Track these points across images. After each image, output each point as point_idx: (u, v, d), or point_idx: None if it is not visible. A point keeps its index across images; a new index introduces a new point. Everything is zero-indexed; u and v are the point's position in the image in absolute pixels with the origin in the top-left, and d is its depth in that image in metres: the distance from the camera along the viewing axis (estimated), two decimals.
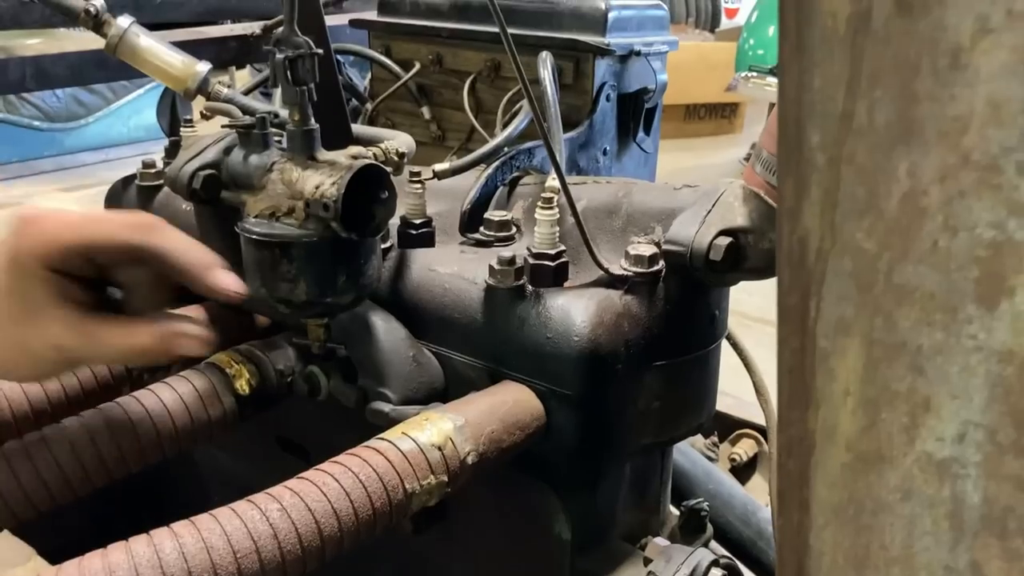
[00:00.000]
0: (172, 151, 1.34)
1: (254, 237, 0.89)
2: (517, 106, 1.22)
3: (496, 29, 1.22)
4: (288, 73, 0.87)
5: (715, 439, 1.64)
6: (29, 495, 0.89)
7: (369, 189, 0.88)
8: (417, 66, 1.35)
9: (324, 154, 0.91)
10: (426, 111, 1.36)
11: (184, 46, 1.41)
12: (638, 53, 1.22)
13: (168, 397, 0.95)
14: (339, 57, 1.48)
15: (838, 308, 0.51)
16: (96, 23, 1.09)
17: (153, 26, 1.32)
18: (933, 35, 0.45)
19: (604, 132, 1.24)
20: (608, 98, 1.23)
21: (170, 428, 0.94)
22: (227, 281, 0.82)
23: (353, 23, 1.42)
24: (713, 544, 1.22)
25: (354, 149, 0.95)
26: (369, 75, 1.46)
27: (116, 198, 1.36)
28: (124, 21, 1.10)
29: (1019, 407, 0.46)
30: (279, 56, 0.87)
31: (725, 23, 10.19)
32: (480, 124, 1.30)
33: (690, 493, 1.34)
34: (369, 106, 1.41)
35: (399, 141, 1.01)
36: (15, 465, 0.89)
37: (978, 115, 0.44)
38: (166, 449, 0.95)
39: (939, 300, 0.47)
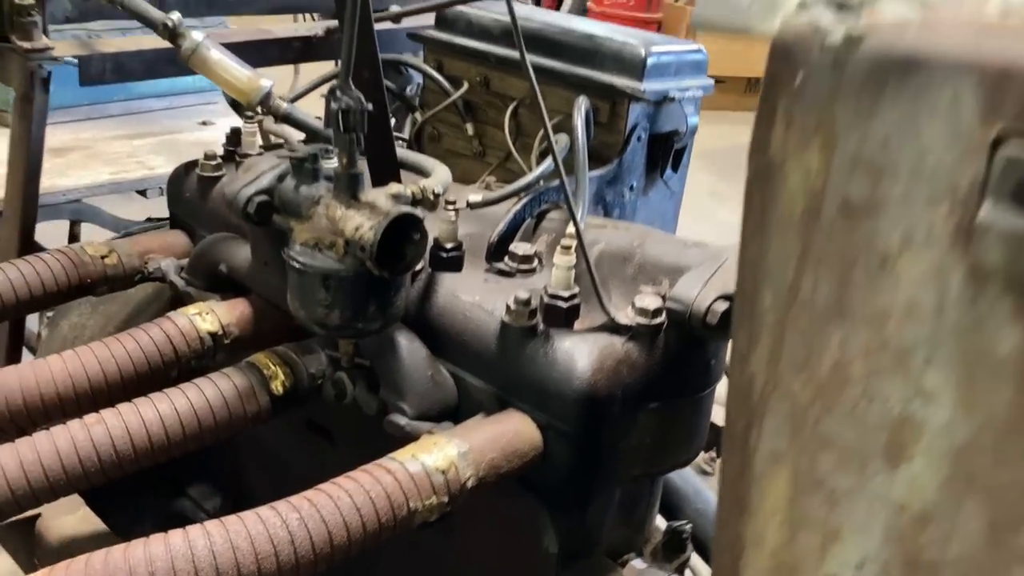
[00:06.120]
0: (233, 139, 1.44)
1: (297, 266, 0.99)
2: (554, 138, 1.30)
3: (542, 60, 1.30)
4: (340, 122, 0.96)
5: (713, 454, 1.73)
6: (85, 469, 1.01)
7: (403, 231, 0.98)
8: (465, 86, 1.43)
9: (367, 194, 1.00)
10: (470, 127, 1.45)
11: (251, 45, 1.50)
12: (672, 99, 1.29)
13: (211, 393, 1.07)
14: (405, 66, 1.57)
15: (773, 441, 0.60)
16: (172, 35, 1.19)
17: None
18: (868, 239, 0.53)
19: (633, 170, 1.32)
20: (639, 139, 1.31)
21: (211, 422, 1.06)
22: None
23: (411, 36, 1.50)
24: (697, 562, 1.32)
25: (395, 187, 1.05)
26: (421, 82, 1.54)
27: (178, 183, 1.46)
28: (198, 35, 1.19)
29: (908, 550, 0.55)
30: (333, 106, 0.96)
31: None
32: (519, 147, 1.38)
33: (679, 509, 1.44)
34: (419, 116, 1.50)
35: (436, 179, 1.10)
36: (77, 441, 1.01)
37: (898, 311, 0.53)
38: (206, 439, 1.07)
39: (854, 452, 0.56)
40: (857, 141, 0.52)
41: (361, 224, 0.96)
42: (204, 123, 2.76)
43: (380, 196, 1.01)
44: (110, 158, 2.45)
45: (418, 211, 0.99)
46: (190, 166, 1.46)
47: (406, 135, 1.62)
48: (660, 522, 1.33)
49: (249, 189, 1.04)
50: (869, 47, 0.51)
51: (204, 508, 1.62)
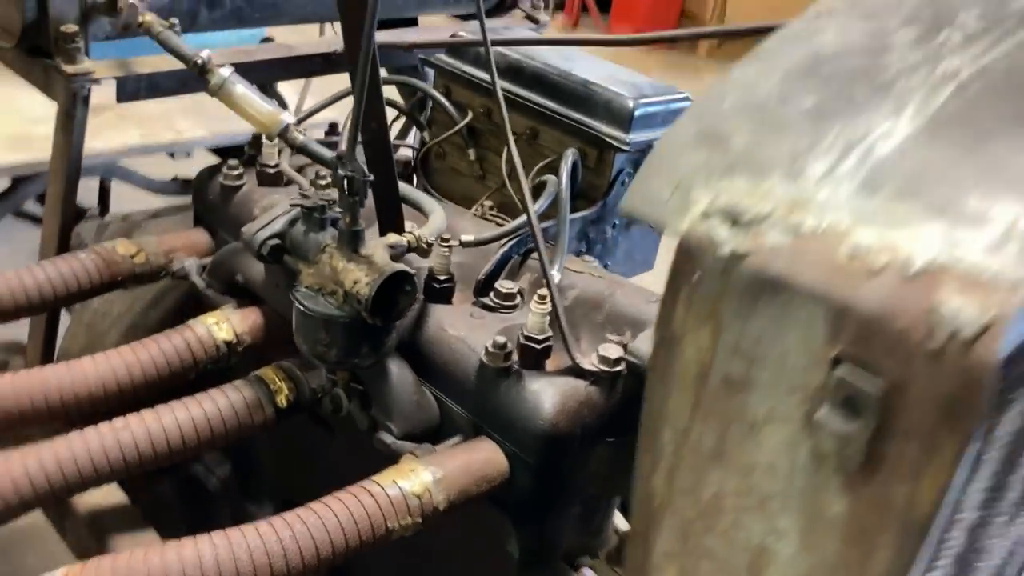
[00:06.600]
0: (255, 144, 1.57)
1: (302, 308, 1.13)
2: (544, 178, 1.42)
3: (541, 100, 1.41)
4: (345, 187, 1.09)
5: None
6: (112, 466, 1.17)
7: (396, 284, 1.11)
8: (469, 115, 1.54)
9: (366, 247, 1.13)
10: (472, 153, 1.56)
11: (276, 63, 1.62)
12: None
13: (223, 404, 1.22)
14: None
15: (666, 543, 0.74)
16: (202, 71, 1.31)
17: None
18: (741, 408, 0.66)
19: (616, 210, 1.44)
20: (623, 183, 1.42)
21: (222, 430, 1.21)
22: None
23: (422, 61, 1.60)
24: None
25: (392, 238, 1.18)
26: (430, 104, 1.65)
27: (203, 185, 1.59)
28: (225, 72, 1.31)
29: None
30: (340, 172, 1.09)
31: None
32: (515, 178, 1.50)
33: None
34: (427, 136, 1.62)
35: (431, 228, 1.23)
36: (106, 443, 1.17)
37: (760, 466, 0.66)
38: (217, 444, 1.23)
39: (724, 565, 0.71)
40: (737, 333, 0.65)
41: (359, 279, 1.09)
42: None
43: (378, 249, 1.14)
44: (141, 119, 2.57)
45: (409, 268, 1.12)
46: (214, 170, 1.59)
47: (410, 142, 1.74)
48: (623, 523, 1.48)
49: (264, 233, 1.17)
50: (750, 264, 0.63)
51: (215, 473, 1.80)
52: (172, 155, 2.60)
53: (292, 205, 1.18)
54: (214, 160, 2.79)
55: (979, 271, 0.57)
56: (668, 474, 0.73)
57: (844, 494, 0.62)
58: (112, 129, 2.51)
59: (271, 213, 1.20)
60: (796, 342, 0.62)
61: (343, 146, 1.39)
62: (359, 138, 1.10)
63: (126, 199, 2.64)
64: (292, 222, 1.19)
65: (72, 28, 1.34)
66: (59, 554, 1.71)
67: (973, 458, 0.60)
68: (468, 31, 1.66)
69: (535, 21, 1.92)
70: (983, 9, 0.75)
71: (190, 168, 2.82)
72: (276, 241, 1.17)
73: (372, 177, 1.08)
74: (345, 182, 1.08)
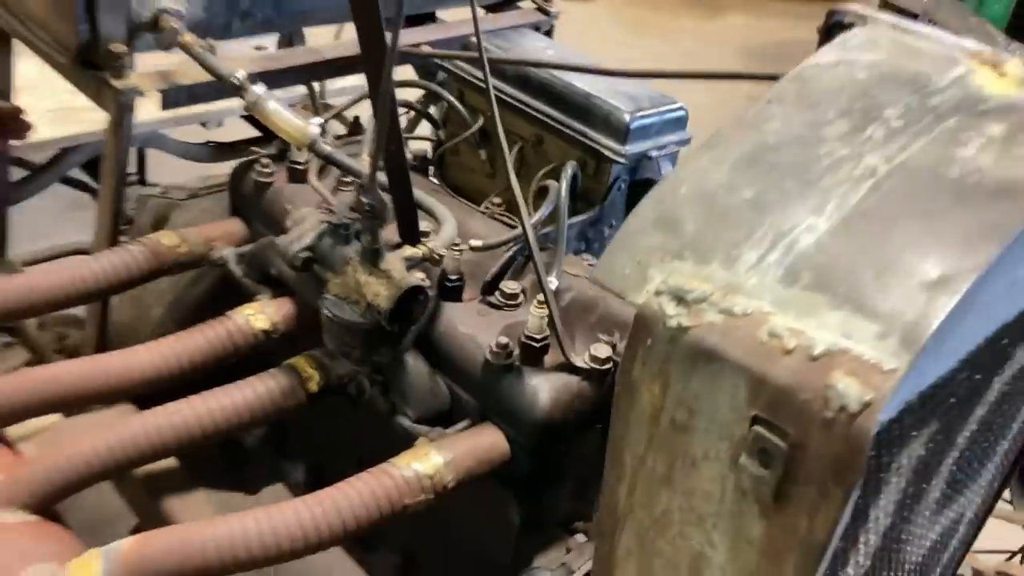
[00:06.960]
0: (282, 143, 1.72)
1: (329, 315, 1.30)
2: (546, 183, 1.56)
3: (546, 109, 1.55)
4: (367, 210, 1.24)
5: None
6: (166, 446, 1.36)
7: (412, 296, 1.27)
8: (481, 120, 1.68)
9: (385, 261, 1.29)
10: (483, 154, 1.70)
11: (304, 68, 1.75)
12: (649, 158, 1.54)
13: (261, 391, 1.40)
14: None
15: (627, 543, 0.91)
16: (235, 88, 1.45)
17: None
18: (685, 446, 0.82)
19: (613, 213, 1.58)
20: (620, 188, 1.56)
21: (259, 414, 1.39)
22: None
23: (437, 67, 1.73)
24: None
25: (408, 251, 1.34)
26: (445, 105, 1.79)
27: (239, 178, 1.75)
28: (259, 89, 1.45)
29: None
30: (362, 199, 1.24)
31: None
32: (522, 179, 1.64)
33: None
34: (442, 134, 1.76)
35: (442, 238, 1.39)
36: (161, 427, 1.35)
37: (699, 492, 0.83)
38: (256, 425, 1.41)
39: (671, 564, 0.88)
40: (681, 389, 0.81)
41: (379, 292, 1.25)
42: (258, 48, 2.99)
43: (396, 263, 1.30)
44: None
45: (423, 281, 1.28)
46: (248, 165, 1.74)
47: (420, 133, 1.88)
48: None
49: (295, 246, 1.33)
50: (691, 336, 0.79)
51: (253, 433, 1.99)
52: (204, 124, 2.74)
53: (321, 220, 1.34)
54: (244, 128, 2.95)
55: (866, 358, 0.72)
56: (628, 489, 0.89)
57: (761, 520, 0.79)
58: (149, 102, 2.65)
59: (302, 227, 1.36)
60: (725, 401, 0.78)
61: (365, 154, 1.55)
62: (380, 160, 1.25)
63: (163, 164, 2.79)
64: (320, 236, 1.34)
65: (121, 47, 1.48)
66: (110, 495, 1.92)
67: (874, 488, 0.76)
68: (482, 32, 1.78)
69: (546, 13, 2.03)
70: (906, 105, 0.88)
71: (221, 135, 2.96)
72: (308, 254, 1.33)
73: (390, 204, 1.23)
74: (365, 207, 1.23)
